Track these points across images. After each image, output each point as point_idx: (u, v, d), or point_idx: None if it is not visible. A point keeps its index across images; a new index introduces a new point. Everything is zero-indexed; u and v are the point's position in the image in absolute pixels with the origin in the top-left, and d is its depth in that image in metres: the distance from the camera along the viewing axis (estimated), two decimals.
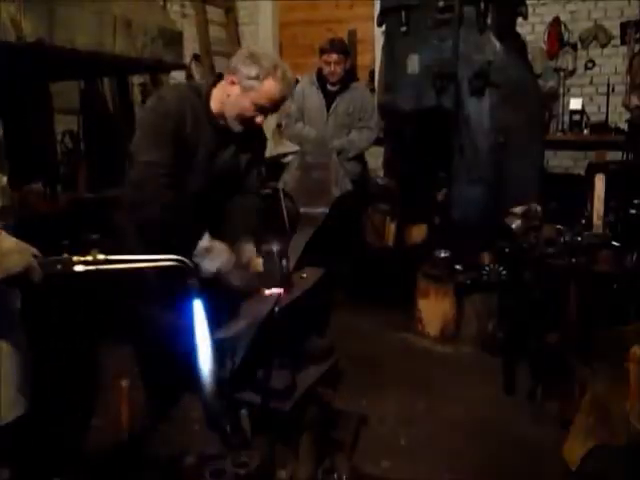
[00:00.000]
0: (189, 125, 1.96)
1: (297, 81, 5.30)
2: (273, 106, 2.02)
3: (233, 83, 1.97)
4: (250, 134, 2.10)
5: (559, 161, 4.96)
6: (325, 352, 2.03)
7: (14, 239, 1.33)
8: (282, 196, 3.80)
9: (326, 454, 1.99)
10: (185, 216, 1.93)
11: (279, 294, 1.81)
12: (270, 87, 1.95)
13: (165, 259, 1.42)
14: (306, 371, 1.93)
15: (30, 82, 4.02)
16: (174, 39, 3.78)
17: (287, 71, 2.00)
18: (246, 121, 2.00)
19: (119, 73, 4.46)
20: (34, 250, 1.34)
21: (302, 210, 3.37)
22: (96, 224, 2.88)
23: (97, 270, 1.36)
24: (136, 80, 5.35)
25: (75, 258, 1.35)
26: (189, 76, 5.73)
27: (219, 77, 2.07)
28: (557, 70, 4.81)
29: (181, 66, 4.27)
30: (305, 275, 2.10)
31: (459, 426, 2.52)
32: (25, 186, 3.39)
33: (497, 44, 3.73)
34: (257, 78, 1.93)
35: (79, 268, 1.35)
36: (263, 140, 2.33)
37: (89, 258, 1.36)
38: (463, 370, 3.07)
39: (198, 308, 1.48)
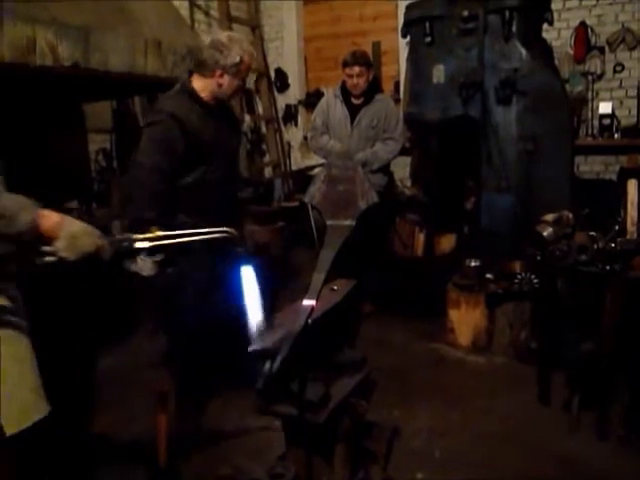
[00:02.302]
0: (192, 120, 2.36)
1: (321, 94, 5.38)
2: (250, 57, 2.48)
3: (222, 75, 2.39)
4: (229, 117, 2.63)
5: (590, 166, 4.89)
6: (358, 363, 2.04)
7: (80, 222, 1.45)
8: (310, 209, 3.82)
9: (360, 465, 2.00)
10: (214, 207, 2.31)
11: (312, 306, 1.82)
12: (248, 60, 2.44)
13: (216, 231, 1.58)
14: (339, 383, 1.93)
15: (65, 104, 4.16)
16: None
17: (241, 37, 2.55)
18: (239, 91, 2.57)
19: (150, 92, 4.58)
20: (98, 231, 1.45)
21: (329, 223, 3.38)
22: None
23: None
24: None
25: (138, 236, 1.48)
26: None
27: (190, 75, 2.49)
28: (585, 74, 4.75)
29: None
30: (336, 287, 2.12)
31: (493, 438, 2.49)
32: (62, 205, 3.50)
33: (523, 51, 3.71)
34: (240, 62, 2.38)
35: (142, 244, 1.49)
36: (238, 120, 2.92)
37: (150, 235, 1.49)
38: (496, 381, 3.04)
39: (246, 272, 1.66)
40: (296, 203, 3.83)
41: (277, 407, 1.81)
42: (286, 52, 6.20)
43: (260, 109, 6.19)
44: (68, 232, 1.41)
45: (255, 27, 5.96)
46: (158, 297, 2.66)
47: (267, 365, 1.65)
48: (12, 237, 1.37)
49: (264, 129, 6.18)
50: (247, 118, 6.03)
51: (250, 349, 1.72)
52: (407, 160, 5.12)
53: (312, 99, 5.75)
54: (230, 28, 5.39)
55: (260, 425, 2.37)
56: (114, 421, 2.60)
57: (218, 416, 2.67)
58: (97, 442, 2.23)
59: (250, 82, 5.93)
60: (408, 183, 5.08)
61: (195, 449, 2.34)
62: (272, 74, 6.24)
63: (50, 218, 1.41)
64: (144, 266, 1.95)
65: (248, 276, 1.69)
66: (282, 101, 6.29)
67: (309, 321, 1.76)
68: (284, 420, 1.92)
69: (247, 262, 1.68)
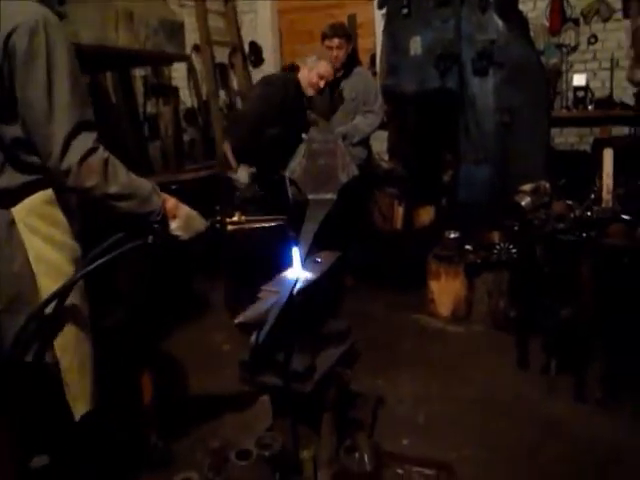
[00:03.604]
0: (289, 95, 3.46)
1: (296, 68, 5.31)
2: (328, 75, 3.50)
3: (304, 69, 3.52)
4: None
5: (565, 138, 4.95)
6: (343, 334, 2.06)
7: (187, 206, 1.61)
8: (287, 184, 3.81)
9: (347, 434, 2.03)
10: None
11: (297, 278, 1.83)
12: (323, 64, 3.48)
13: (278, 218, 1.86)
14: (325, 353, 1.95)
15: None
16: (175, 30, 3.79)
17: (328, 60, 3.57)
18: (314, 85, 3.49)
19: (122, 66, 4.46)
20: None
21: (310, 197, 3.38)
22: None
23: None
24: (138, 73, 5.35)
25: (227, 219, 1.71)
26: (191, 67, 5.74)
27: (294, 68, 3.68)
28: (560, 46, 4.77)
29: (183, 57, 4.28)
30: (320, 259, 2.12)
31: (475, 403, 2.55)
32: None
33: (500, 23, 3.72)
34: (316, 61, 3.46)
35: (230, 227, 1.71)
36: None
37: (235, 219, 1.72)
38: (476, 348, 3.10)
39: (294, 251, 1.89)
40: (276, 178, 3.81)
41: (263, 378, 1.83)
42: (260, 25, 6.08)
43: (235, 84, 6.08)
44: (184, 213, 1.58)
45: None
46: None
47: (253, 337, 1.66)
48: (142, 216, 1.49)
49: (239, 104, 6.09)
50: (222, 94, 5.93)
51: (236, 322, 1.72)
52: (384, 134, 5.11)
53: None
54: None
55: (248, 398, 2.39)
56: None
57: (204, 390, 2.68)
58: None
59: (224, 56, 5.82)
60: (385, 157, 5.07)
61: (184, 425, 2.35)
62: (246, 48, 6.13)
63: (170, 200, 1.56)
64: (241, 176, 3.39)
65: (294, 253, 1.92)
66: (257, 75, 6.18)
67: (294, 292, 1.77)
68: (270, 391, 1.93)
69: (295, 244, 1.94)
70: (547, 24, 4.80)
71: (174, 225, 1.55)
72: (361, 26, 5.65)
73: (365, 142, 3.99)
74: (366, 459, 1.84)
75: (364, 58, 5.47)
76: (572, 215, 2.53)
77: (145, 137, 5.03)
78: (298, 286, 1.79)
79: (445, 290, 3.49)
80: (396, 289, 3.80)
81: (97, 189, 1.39)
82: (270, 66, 6.08)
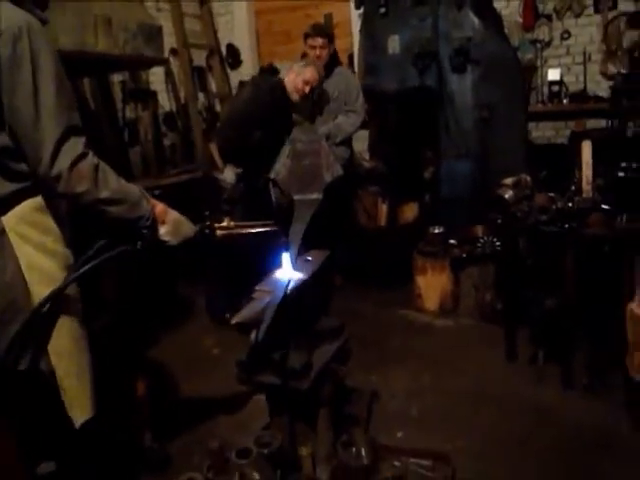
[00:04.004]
0: (275, 97, 3.42)
1: (275, 69, 5.32)
2: (314, 81, 3.48)
3: (291, 72, 3.48)
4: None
5: (542, 132, 5.04)
6: (336, 330, 2.08)
7: (176, 212, 1.61)
8: (271, 186, 3.81)
9: (343, 429, 2.05)
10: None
11: (289, 278, 1.85)
12: (310, 70, 3.47)
13: (268, 224, 1.85)
14: (319, 350, 1.97)
15: None
16: (154, 34, 3.77)
17: (317, 64, 3.61)
18: (299, 91, 3.46)
19: (101, 72, 4.42)
20: None
21: (296, 197, 3.40)
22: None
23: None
24: (116, 78, 5.31)
25: (216, 225, 1.70)
26: (168, 71, 5.71)
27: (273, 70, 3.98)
28: (534, 42, 4.87)
29: (162, 61, 4.26)
30: (310, 258, 2.14)
31: (466, 395, 2.59)
32: None
33: (475, 20, 3.78)
34: (303, 67, 3.48)
35: (219, 232, 1.70)
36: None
37: (225, 224, 1.71)
38: (465, 341, 3.15)
39: (285, 257, 1.91)
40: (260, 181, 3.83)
41: (260, 377, 1.84)
42: (237, 27, 6.07)
43: (213, 87, 6.07)
44: (173, 218, 1.58)
45: (203, 1, 5.81)
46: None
47: (252, 335, 1.67)
48: (131, 221, 1.48)
49: (218, 107, 6.08)
50: (200, 96, 5.91)
51: (233, 321, 1.73)
52: (365, 134, 5.14)
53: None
54: (178, 3, 5.25)
55: (243, 398, 2.40)
56: None
57: (197, 393, 2.68)
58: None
59: (201, 59, 5.80)
60: (367, 156, 5.11)
61: (178, 427, 2.35)
62: (224, 50, 6.12)
63: (158, 205, 1.56)
64: (227, 175, 3.39)
65: (284, 259, 1.94)
66: (235, 78, 6.18)
67: (287, 291, 1.79)
68: (267, 390, 1.95)
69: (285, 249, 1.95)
70: (521, 20, 4.88)
71: (163, 230, 1.55)
72: (338, 26, 5.66)
73: (348, 142, 4.02)
74: (363, 453, 1.86)
75: (342, 58, 5.50)
76: (554, 207, 2.59)
77: (125, 142, 4.99)
78: (291, 285, 1.81)
79: (432, 285, 3.53)
80: (383, 286, 3.83)
81: (88, 194, 1.39)
82: (248, 68, 6.08)
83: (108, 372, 2.08)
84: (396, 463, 1.97)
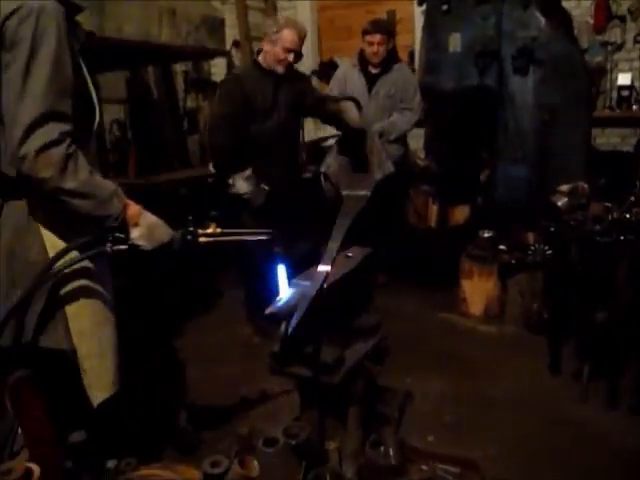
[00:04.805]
0: (248, 84, 3.03)
1: (335, 64, 5.32)
2: (295, 46, 3.01)
3: (266, 43, 3.04)
4: (295, 81, 3.16)
5: (607, 138, 4.82)
6: (372, 328, 2.08)
7: (153, 215, 1.55)
8: (323, 180, 3.83)
9: (373, 427, 2.05)
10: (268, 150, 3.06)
11: (327, 271, 1.86)
12: (287, 34, 2.97)
13: (262, 232, 1.84)
14: (354, 346, 1.98)
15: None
16: (216, 26, 3.87)
17: (297, 22, 3.21)
18: (282, 62, 3.01)
19: (164, 61, 4.56)
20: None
21: (344, 193, 3.40)
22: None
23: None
24: (179, 68, 5.46)
25: (200, 231, 1.64)
26: (230, 63, 5.82)
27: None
28: (605, 44, 4.66)
29: (223, 53, 4.35)
30: (351, 254, 2.15)
31: (503, 404, 2.53)
32: None
33: (542, 19, 3.65)
34: (277, 32, 2.97)
35: (203, 239, 1.63)
36: (307, 82, 3.47)
37: (210, 231, 1.66)
38: (507, 349, 3.07)
39: (279, 266, 1.90)
40: (309, 174, 3.84)
41: (292, 369, 1.86)
42: (300, 21, 6.11)
43: None
44: (148, 221, 1.51)
45: None
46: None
47: (282, 327, 1.69)
48: (98, 219, 1.44)
49: None
50: None
51: (267, 312, 1.76)
52: (421, 132, 5.08)
53: (326, 69, 5.68)
54: None
55: (276, 388, 2.44)
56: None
57: (236, 380, 2.74)
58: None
59: None
60: (422, 154, 5.04)
61: (214, 412, 2.41)
62: None
63: (132, 207, 1.49)
64: (241, 186, 3.03)
65: (279, 268, 1.92)
66: None
67: (324, 286, 1.80)
68: (299, 382, 1.97)
69: (280, 259, 1.93)
70: (591, 21, 4.68)
71: (136, 233, 1.49)
72: (400, 22, 5.62)
73: (402, 140, 3.99)
74: (391, 453, 1.86)
75: (402, 55, 5.44)
76: (610, 217, 2.48)
77: (184, 131, 5.13)
78: (329, 280, 1.82)
79: (477, 289, 3.46)
80: (428, 287, 3.79)
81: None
82: (309, 62, 6.11)
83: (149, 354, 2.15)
84: (424, 467, 1.96)
